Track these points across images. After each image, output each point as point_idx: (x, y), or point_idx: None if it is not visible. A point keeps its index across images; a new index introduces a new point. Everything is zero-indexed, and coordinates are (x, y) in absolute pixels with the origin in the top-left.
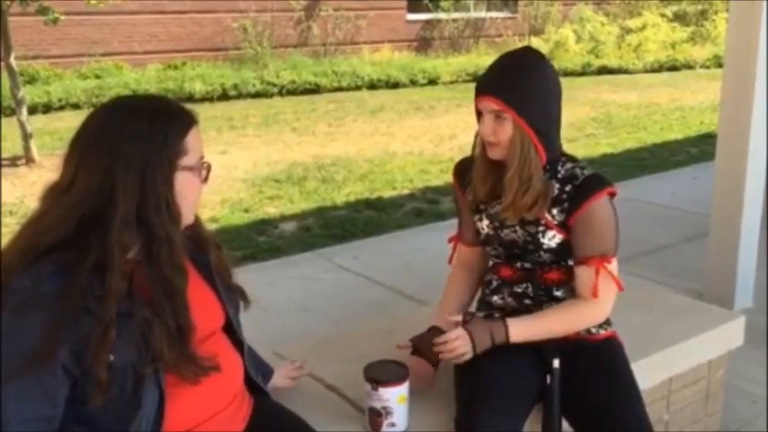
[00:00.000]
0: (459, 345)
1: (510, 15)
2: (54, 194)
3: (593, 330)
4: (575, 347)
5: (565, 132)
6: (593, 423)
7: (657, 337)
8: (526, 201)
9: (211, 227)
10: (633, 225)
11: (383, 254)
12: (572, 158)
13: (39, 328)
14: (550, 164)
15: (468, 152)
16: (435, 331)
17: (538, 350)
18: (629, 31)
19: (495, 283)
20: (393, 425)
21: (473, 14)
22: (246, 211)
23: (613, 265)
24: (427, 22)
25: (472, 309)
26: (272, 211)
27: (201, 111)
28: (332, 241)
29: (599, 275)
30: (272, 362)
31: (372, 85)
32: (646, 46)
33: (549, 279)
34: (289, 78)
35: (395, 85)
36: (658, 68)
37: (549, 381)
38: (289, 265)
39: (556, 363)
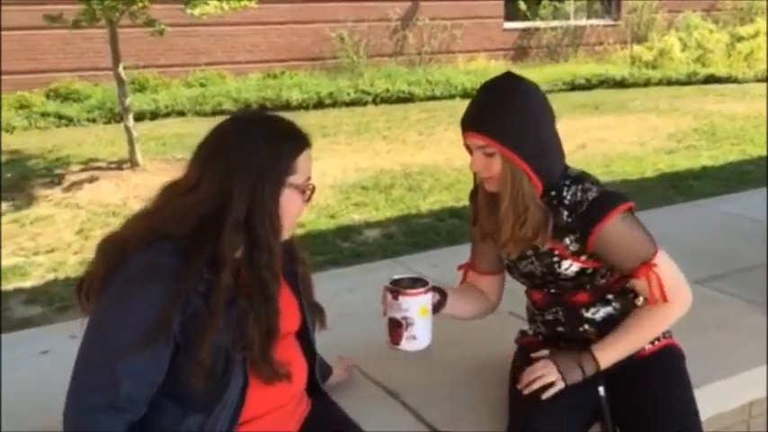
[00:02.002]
0: (544, 372)
1: (612, 23)
2: (176, 191)
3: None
4: (623, 368)
5: (663, 143)
6: None
7: (740, 357)
8: (525, 233)
9: (298, 232)
10: (729, 240)
11: (463, 263)
12: (577, 179)
13: (158, 297)
14: (554, 188)
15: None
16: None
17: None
18: (739, 38)
19: (530, 310)
20: (414, 337)
21: (573, 22)
22: (332, 216)
23: (661, 259)
24: (525, 30)
25: (524, 327)
26: (357, 217)
27: (297, 118)
28: (414, 249)
29: (651, 281)
30: (336, 365)
31: (466, 94)
32: (758, 54)
33: (577, 301)
34: (383, 87)
35: None
36: None
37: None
38: (369, 271)
39: (601, 390)
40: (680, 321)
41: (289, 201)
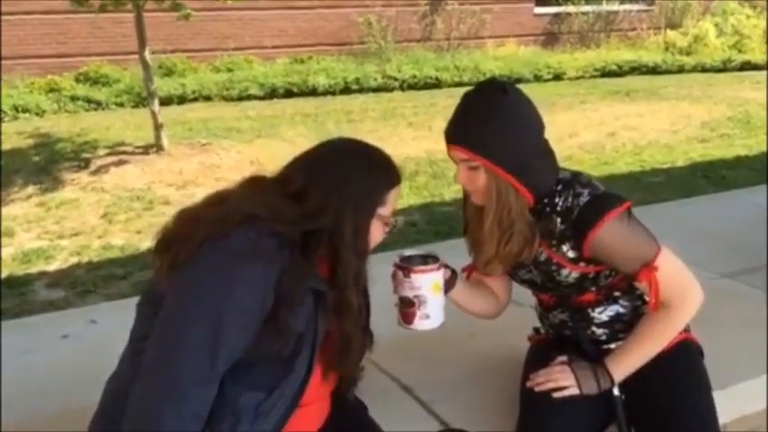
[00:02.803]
0: (560, 377)
1: (645, 8)
2: (270, 187)
3: None
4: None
5: (696, 132)
6: None
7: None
8: (510, 249)
9: None
10: (762, 233)
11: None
12: (568, 183)
13: (261, 281)
14: (547, 196)
15: (591, 150)
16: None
17: None
18: None
19: (538, 311)
20: (427, 316)
21: (605, 7)
22: None
23: (664, 259)
24: (555, 15)
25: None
26: None
27: (322, 104)
28: (436, 237)
29: (654, 284)
30: None
31: None
32: None
33: (583, 301)
34: (410, 73)
35: (518, 81)
36: None
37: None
38: (389, 260)
39: (616, 390)
40: (706, 316)
41: (373, 231)
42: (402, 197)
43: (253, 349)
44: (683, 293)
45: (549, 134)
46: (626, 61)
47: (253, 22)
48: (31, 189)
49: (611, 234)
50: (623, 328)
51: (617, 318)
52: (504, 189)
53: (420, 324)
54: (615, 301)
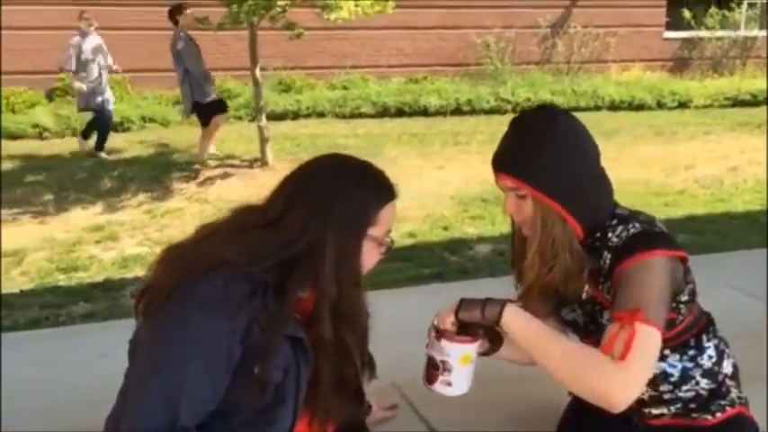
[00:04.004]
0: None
1: None
2: (252, 219)
3: (704, 414)
4: None
5: None
6: None
7: None
8: (553, 277)
9: (407, 241)
10: None
11: None
12: (626, 218)
13: (227, 331)
14: (599, 230)
15: (708, 185)
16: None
17: None
18: None
19: None
20: (449, 383)
21: (742, 33)
22: (446, 228)
23: (648, 333)
24: (686, 40)
25: None
26: (471, 231)
27: (432, 125)
28: None
29: (622, 331)
30: (388, 393)
31: (613, 106)
32: None
33: None
34: (524, 96)
35: (639, 107)
36: None
37: None
38: (471, 288)
39: None
40: None
41: (366, 253)
42: (494, 224)
43: (227, 400)
44: (628, 365)
45: (664, 165)
46: (761, 90)
47: (371, 41)
48: (142, 196)
49: (647, 267)
50: (669, 389)
51: (663, 378)
52: (549, 219)
53: (440, 388)
54: (663, 359)
